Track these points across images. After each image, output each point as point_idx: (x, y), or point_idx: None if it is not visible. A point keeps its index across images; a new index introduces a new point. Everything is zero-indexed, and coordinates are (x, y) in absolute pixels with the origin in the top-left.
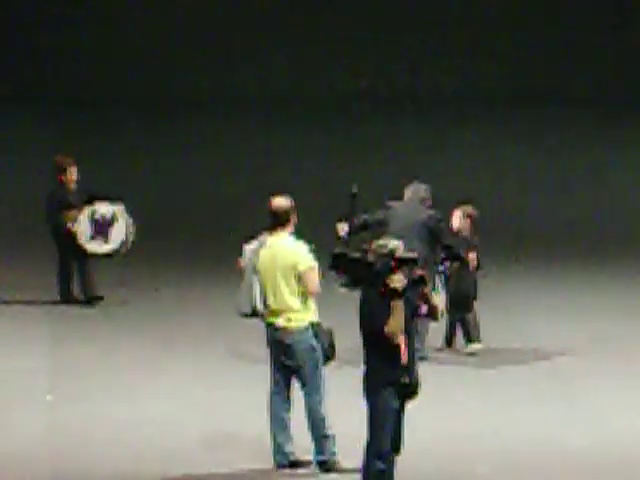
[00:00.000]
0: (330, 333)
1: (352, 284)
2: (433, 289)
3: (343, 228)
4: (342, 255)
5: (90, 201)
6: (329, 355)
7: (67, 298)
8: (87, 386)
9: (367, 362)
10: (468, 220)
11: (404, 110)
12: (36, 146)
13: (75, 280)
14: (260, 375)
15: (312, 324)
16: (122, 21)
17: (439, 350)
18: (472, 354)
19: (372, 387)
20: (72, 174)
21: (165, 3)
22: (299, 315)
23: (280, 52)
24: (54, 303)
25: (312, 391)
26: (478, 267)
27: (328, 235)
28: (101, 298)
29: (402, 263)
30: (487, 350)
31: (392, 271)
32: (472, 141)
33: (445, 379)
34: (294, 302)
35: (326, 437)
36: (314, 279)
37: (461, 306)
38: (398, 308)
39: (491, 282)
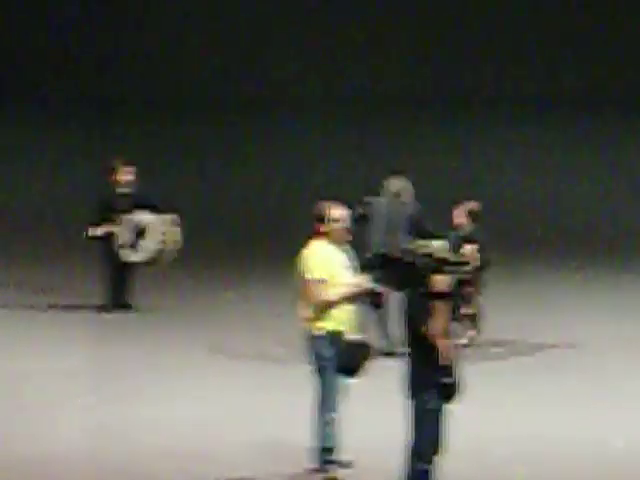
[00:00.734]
0: (362, 347)
1: (397, 284)
2: None
3: None
4: (383, 256)
5: (139, 207)
6: (351, 368)
7: (116, 303)
8: (128, 388)
9: (410, 363)
10: (469, 216)
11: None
12: (78, 147)
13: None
14: (302, 379)
15: (331, 333)
16: (162, 22)
17: None
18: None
19: (415, 388)
20: (124, 177)
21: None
22: (314, 323)
23: (317, 53)
24: (96, 307)
25: (317, 398)
26: (483, 266)
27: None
28: (129, 306)
29: (444, 264)
30: (528, 350)
31: (435, 272)
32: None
33: (482, 379)
34: (306, 310)
35: (318, 447)
36: (314, 290)
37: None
38: (440, 309)
39: (537, 282)
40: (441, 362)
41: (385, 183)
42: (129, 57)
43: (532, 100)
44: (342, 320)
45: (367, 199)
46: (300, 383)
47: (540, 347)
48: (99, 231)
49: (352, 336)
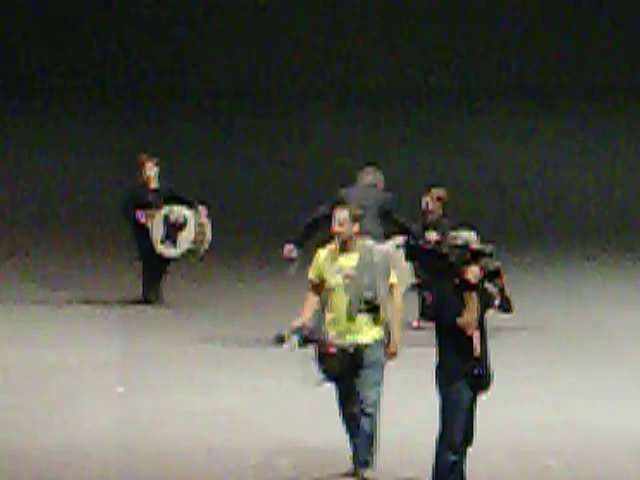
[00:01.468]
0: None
1: (426, 276)
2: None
3: (291, 250)
4: (417, 246)
5: (169, 201)
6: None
7: (150, 296)
8: (158, 379)
9: (440, 354)
10: (438, 202)
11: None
12: (104, 141)
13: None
14: None
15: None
16: (188, 15)
17: (416, 329)
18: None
19: (445, 379)
20: (150, 171)
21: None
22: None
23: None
24: (127, 300)
25: None
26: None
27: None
28: (162, 300)
29: (477, 255)
30: (560, 340)
31: (467, 263)
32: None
33: (512, 369)
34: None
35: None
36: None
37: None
38: (472, 300)
39: (568, 272)
40: (475, 353)
41: (359, 173)
42: (156, 49)
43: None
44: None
45: (340, 191)
46: None
47: (570, 336)
48: (143, 219)
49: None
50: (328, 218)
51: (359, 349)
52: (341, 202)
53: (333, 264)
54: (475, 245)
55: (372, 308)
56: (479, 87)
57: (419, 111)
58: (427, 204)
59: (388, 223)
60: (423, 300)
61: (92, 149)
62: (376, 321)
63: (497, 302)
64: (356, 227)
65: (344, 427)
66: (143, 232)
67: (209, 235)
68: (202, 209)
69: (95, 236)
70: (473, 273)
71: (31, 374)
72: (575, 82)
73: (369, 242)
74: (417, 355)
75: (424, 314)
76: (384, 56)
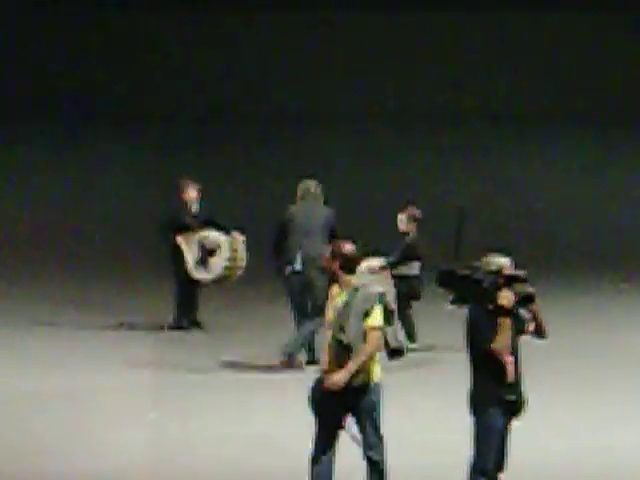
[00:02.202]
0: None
1: (460, 301)
2: None
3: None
4: (450, 272)
5: (207, 226)
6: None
7: (184, 320)
8: (190, 403)
9: (473, 379)
10: (413, 222)
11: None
12: (141, 165)
13: (180, 301)
14: None
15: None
16: (211, 39)
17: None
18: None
19: (478, 404)
20: (191, 196)
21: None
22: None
23: (389, 70)
24: (160, 324)
25: None
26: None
27: (440, 248)
28: (197, 324)
29: (510, 280)
30: (593, 366)
31: (500, 288)
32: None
33: (545, 395)
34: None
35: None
36: None
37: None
38: (506, 325)
39: (600, 297)
40: (509, 378)
41: (300, 187)
42: (182, 74)
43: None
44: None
45: (289, 208)
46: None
47: (603, 361)
48: (178, 240)
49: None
50: (282, 231)
51: (345, 393)
52: (291, 220)
53: (333, 301)
54: (508, 270)
55: (351, 350)
56: (514, 112)
57: (452, 135)
58: (402, 223)
59: (331, 239)
60: (404, 324)
61: (129, 172)
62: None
63: (531, 328)
64: (336, 264)
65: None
66: (179, 256)
67: (243, 261)
68: (237, 235)
69: (128, 260)
70: (507, 298)
71: (64, 398)
72: (610, 109)
73: (363, 281)
74: (446, 380)
75: (413, 339)
76: (417, 79)
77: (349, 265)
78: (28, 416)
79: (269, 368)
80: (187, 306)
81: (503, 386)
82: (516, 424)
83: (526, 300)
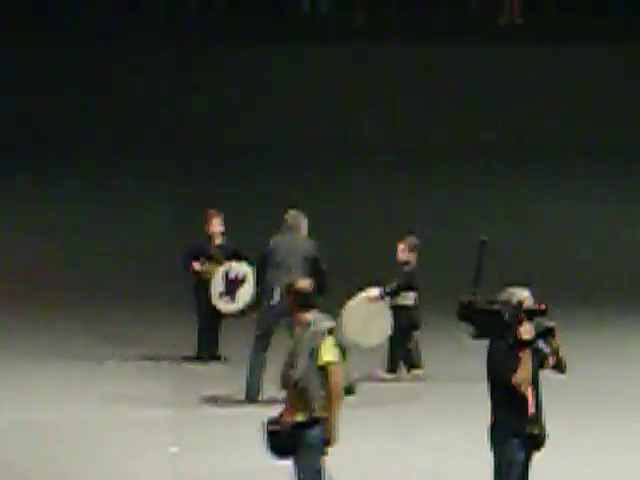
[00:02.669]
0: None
1: (480, 334)
2: None
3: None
4: (470, 305)
5: (231, 258)
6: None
7: (206, 353)
8: (212, 438)
9: (494, 413)
10: (413, 252)
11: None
12: (164, 197)
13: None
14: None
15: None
16: (241, 72)
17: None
18: (415, 378)
19: (499, 438)
20: (215, 228)
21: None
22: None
23: (401, 100)
24: (181, 357)
25: None
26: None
27: (457, 281)
28: (219, 357)
29: (531, 314)
30: (614, 400)
31: (521, 321)
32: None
33: (567, 429)
34: None
35: None
36: None
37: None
38: (526, 359)
39: (621, 331)
40: (528, 412)
41: (284, 219)
42: (209, 105)
43: None
44: None
45: (271, 240)
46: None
47: (623, 396)
48: (198, 267)
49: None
50: (264, 263)
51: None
52: (270, 254)
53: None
54: (529, 304)
55: (299, 388)
56: (536, 144)
57: (471, 168)
58: (402, 252)
59: (313, 271)
60: (391, 352)
61: (151, 205)
62: (300, 402)
63: (551, 362)
64: (290, 301)
65: None
66: (202, 287)
67: None
68: None
69: (150, 291)
70: (527, 332)
71: (85, 432)
72: (633, 141)
73: (317, 317)
74: (464, 411)
75: (392, 369)
76: (435, 113)
77: (303, 302)
78: (47, 446)
79: None
80: (208, 339)
81: (524, 419)
82: (537, 457)
83: (547, 333)
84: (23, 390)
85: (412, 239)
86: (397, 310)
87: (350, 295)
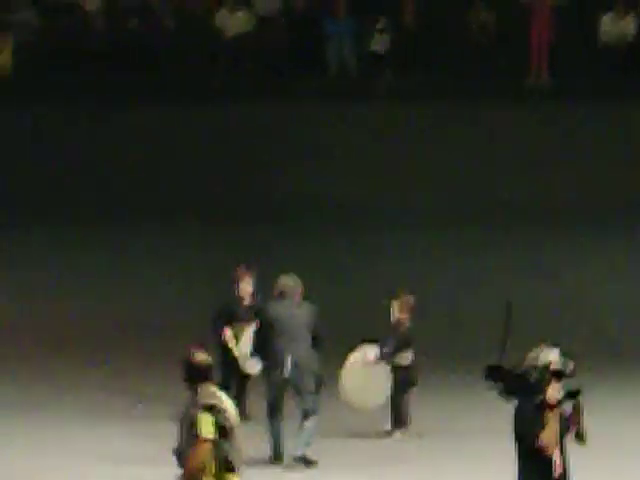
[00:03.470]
0: None
1: (507, 394)
2: None
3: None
4: (497, 366)
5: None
6: None
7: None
8: None
9: (520, 473)
10: (407, 311)
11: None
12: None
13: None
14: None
15: None
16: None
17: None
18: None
19: None
20: (246, 286)
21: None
22: None
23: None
24: None
25: None
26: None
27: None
28: (247, 417)
29: (558, 375)
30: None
31: (548, 382)
32: None
33: None
34: None
35: None
36: None
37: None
38: (553, 419)
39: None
40: (554, 474)
41: (277, 284)
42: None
43: None
44: None
45: (264, 306)
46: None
47: None
48: (229, 340)
49: None
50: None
51: None
52: (273, 323)
53: None
54: (556, 365)
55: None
56: (564, 206)
57: (495, 227)
58: (398, 312)
59: (313, 337)
60: (395, 410)
61: (171, 263)
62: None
63: (572, 432)
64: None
65: None
66: (228, 349)
67: None
68: None
69: (173, 347)
70: (554, 393)
71: None
72: None
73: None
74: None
75: (397, 424)
76: (456, 171)
77: (194, 375)
78: None
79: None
80: (239, 400)
81: None
82: None
83: (573, 395)
84: (24, 443)
85: (407, 298)
86: (395, 369)
87: (347, 352)
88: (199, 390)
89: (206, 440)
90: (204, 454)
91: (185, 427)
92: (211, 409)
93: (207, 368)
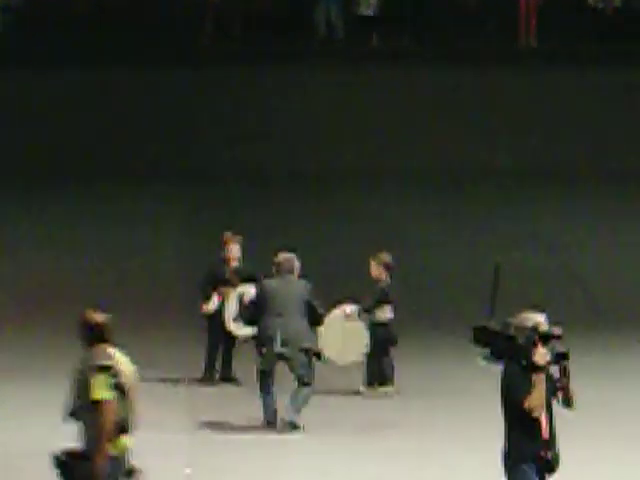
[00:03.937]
0: None
1: (494, 357)
2: None
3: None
4: (484, 328)
5: (247, 281)
6: None
7: (209, 376)
8: (226, 460)
9: (507, 437)
10: (385, 270)
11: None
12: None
13: (212, 356)
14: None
15: None
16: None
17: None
18: (385, 393)
19: (512, 462)
20: (232, 251)
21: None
22: None
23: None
24: (194, 379)
25: None
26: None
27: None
28: (235, 380)
29: (545, 337)
30: (626, 423)
31: (535, 345)
32: None
33: (580, 452)
34: None
35: None
36: None
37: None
38: (540, 382)
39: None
40: (543, 436)
41: (275, 261)
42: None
43: None
44: None
45: (262, 281)
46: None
47: (636, 419)
48: (211, 306)
49: None
50: (254, 305)
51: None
52: (268, 299)
53: None
54: (544, 327)
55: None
56: (556, 170)
57: (485, 192)
58: (374, 269)
59: (309, 313)
60: (373, 367)
61: (167, 230)
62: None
63: (560, 397)
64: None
65: None
66: (215, 311)
67: None
68: None
69: (161, 312)
70: (541, 355)
71: None
72: None
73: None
74: (477, 438)
75: (370, 382)
76: (449, 137)
77: (90, 335)
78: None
79: (307, 425)
80: (226, 361)
81: (537, 443)
82: None
83: (560, 357)
84: (41, 416)
85: (384, 256)
86: (375, 327)
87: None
88: (94, 351)
89: (105, 402)
90: (104, 414)
91: (80, 388)
92: (106, 369)
93: (103, 329)
